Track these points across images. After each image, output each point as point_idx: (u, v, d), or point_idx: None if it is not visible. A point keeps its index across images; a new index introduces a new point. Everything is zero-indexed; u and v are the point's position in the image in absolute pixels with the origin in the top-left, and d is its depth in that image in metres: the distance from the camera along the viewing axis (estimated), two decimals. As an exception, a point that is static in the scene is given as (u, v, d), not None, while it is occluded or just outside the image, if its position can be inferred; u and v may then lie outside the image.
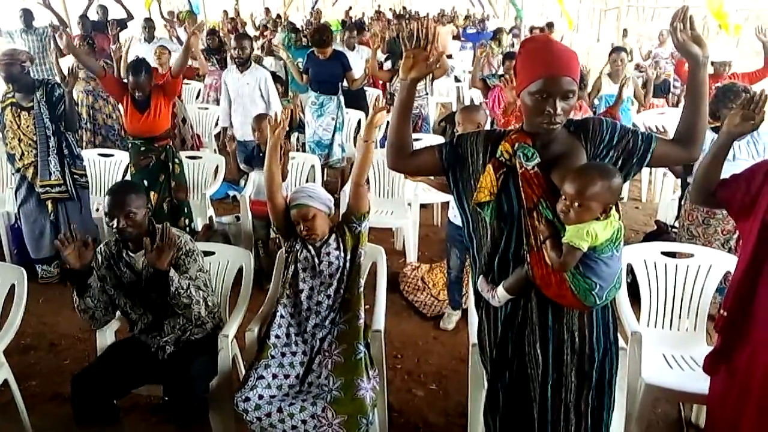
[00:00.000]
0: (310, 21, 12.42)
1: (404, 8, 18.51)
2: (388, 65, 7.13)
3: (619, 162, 1.73)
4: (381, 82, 6.94)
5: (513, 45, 10.06)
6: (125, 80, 4.12)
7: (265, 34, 8.57)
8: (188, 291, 2.36)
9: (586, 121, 1.77)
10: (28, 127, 3.88)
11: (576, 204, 1.60)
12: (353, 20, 14.32)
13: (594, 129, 1.74)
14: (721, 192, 1.99)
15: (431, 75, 5.44)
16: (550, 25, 11.79)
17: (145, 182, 4.02)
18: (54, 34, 7.02)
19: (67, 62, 6.51)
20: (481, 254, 1.86)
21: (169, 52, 6.11)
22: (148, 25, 7.32)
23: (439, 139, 5.06)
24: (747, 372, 1.91)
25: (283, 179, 3.95)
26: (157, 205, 4.05)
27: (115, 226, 2.38)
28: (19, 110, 3.87)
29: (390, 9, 19.06)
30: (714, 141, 2.01)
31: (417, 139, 3.19)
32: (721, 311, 2.00)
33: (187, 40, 4.03)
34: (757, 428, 1.88)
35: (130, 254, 2.48)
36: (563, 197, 1.64)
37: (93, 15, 8.25)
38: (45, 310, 3.85)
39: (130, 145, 4.24)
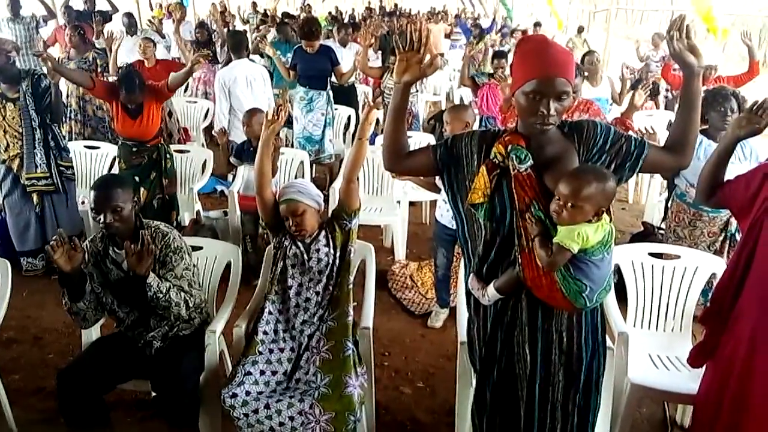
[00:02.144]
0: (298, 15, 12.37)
1: (395, 5, 18.46)
2: (378, 63, 7.12)
3: (612, 166, 1.73)
4: (372, 78, 6.93)
5: (501, 44, 10.09)
6: (115, 82, 4.06)
7: (260, 29, 8.49)
8: (167, 295, 2.34)
9: (581, 124, 1.78)
10: (13, 118, 3.82)
11: (569, 205, 1.61)
12: (342, 16, 14.27)
13: (588, 132, 1.75)
14: (722, 192, 2.05)
15: None
16: (537, 24, 11.83)
17: (136, 178, 3.98)
18: (37, 25, 6.94)
19: (55, 53, 6.44)
20: (475, 254, 1.86)
21: (154, 45, 6.05)
22: (130, 21, 7.25)
23: (429, 137, 5.07)
24: (727, 366, 1.95)
25: (273, 174, 3.93)
26: (147, 201, 4.02)
27: (102, 221, 2.34)
28: (4, 101, 3.81)
29: (380, 5, 18.99)
30: (717, 145, 2.06)
31: (408, 137, 3.18)
32: (708, 304, 2.07)
33: (189, 65, 3.96)
34: (731, 423, 1.91)
35: (117, 251, 2.45)
36: (557, 197, 1.64)
37: (79, 5, 8.17)
38: (29, 303, 3.80)
39: (120, 144, 4.18)
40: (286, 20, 8.41)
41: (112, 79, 4.84)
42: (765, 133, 2.09)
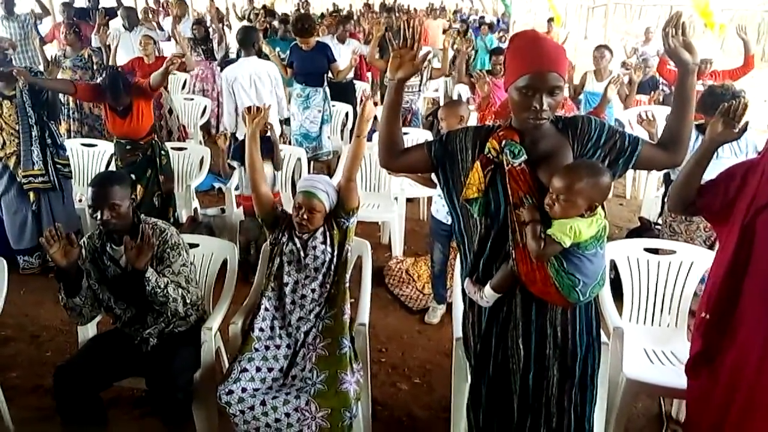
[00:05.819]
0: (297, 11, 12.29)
1: (394, 1, 18.36)
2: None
3: (606, 162, 1.74)
4: (371, 74, 6.92)
5: (503, 40, 10.07)
6: (100, 83, 4.00)
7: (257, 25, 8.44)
8: (165, 290, 2.33)
9: (575, 119, 1.78)
10: (10, 116, 3.82)
11: (561, 198, 1.61)
12: (339, 13, 14.22)
13: (582, 127, 1.75)
14: (698, 199, 1.96)
15: (429, 75, 5.43)
16: (551, 21, 11.82)
17: (132, 176, 3.97)
18: (35, 22, 6.91)
19: (52, 50, 6.42)
20: (470, 250, 1.87)
21: (154, 42, 6.03)
22: (128, 13, 7.21)
23: (427, 134, 5.07)
24: (733, 373, 1.88)
25: (278, 169, 3.91)
26: (145, 199, 4.02)
27: (99, 218, 2.34)
28: (0, 99, 3.81)
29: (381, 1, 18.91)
30: (697, 148, 1.97)
31: (405, 133, 3.19)
32: (703, 314, 1.95)
33: (165, 66, 3.93)
34: (742, 428, 1.88)
35: (114, 247, 2.45)
36: (551, 191, 1.65)
37: (82, 2, 8.14)
38: (26, 302, 3.80)
39: (115, 142, 4.18)
40: (267, 18, 8.31)
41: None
42: (764, 129, 2.04)
